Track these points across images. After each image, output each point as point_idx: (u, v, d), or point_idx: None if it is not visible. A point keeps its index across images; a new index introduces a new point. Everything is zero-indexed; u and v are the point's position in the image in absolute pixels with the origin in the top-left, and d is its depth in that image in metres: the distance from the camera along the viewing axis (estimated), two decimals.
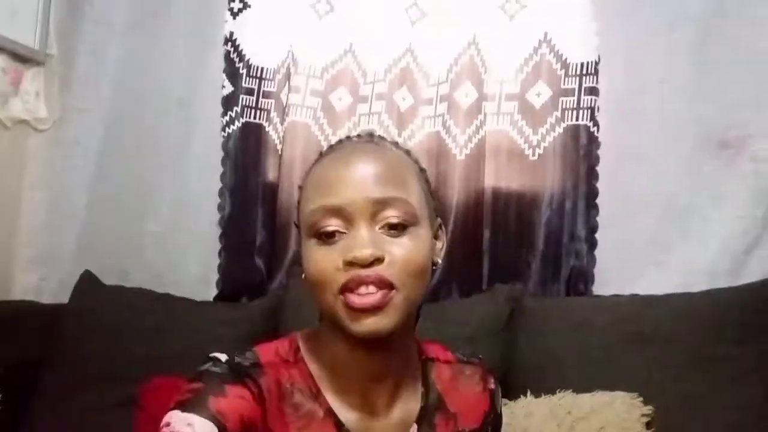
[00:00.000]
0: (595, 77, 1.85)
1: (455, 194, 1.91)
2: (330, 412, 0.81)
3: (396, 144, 0.87)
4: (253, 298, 1.96)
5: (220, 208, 2.03)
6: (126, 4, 2.08)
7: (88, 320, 1.82)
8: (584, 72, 1.86)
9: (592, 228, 1.86)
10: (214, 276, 2.02)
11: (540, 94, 1.90)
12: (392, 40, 1.97)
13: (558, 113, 1.88)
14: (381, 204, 0.76)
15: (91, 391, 1.71)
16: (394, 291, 0.75)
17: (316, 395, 0.82)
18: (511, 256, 1.90)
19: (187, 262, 2.05)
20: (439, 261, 0.85)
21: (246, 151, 2.03)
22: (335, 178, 0.78)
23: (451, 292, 1.92)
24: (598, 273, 1.85)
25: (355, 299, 0.74)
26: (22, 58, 1.96)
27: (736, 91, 1.78)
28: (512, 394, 1.60)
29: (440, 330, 1.62)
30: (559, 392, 1.54)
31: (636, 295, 1.72)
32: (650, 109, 1.84)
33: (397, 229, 0.77)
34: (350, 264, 0.75)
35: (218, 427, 0.72)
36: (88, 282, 1.92)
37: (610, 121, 1.85)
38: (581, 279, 1.85)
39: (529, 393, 1.57)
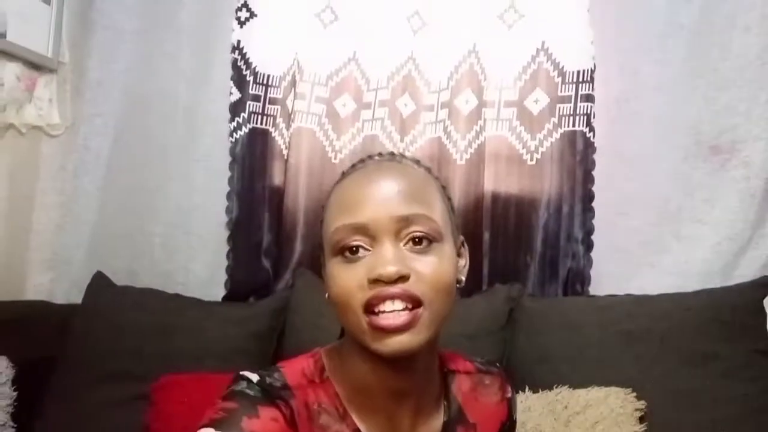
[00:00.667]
0: (591, 84, 1.89)
1: (456, 198, 1.94)
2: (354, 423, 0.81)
3: (417, 162, 0.86)
4: (259, 299, 1.99)
5: (228, 211, 2.06)
6: (136, 12, 2.12)
7: (100, 320, 1.86)
8: (580, 79, 1.90)
9: (589, 230, 1.90)
10: (222, 277, 2.06)
11: (538, 101, 1.94)
12: (395, 48, 2.01)
13: (555, 119, 1.92)
14: (405, 221, 0.75)
15: (103, 389, 1.74)
16: (422, 308, 0.74)
17: (343, 416, 0.81)
18: (510, 257, 1.94)
19: (196, 263, 2.08)
20: (463, 279, 0.82)
21: (253, 156, 2.07)
22: (358, 197, 0.77)
23: None
24: (594, 274, 1.90)
25: (381, 321, 0.73)
26: (36, 65, 1.99)
27: (728, 97, 1.83)
28: None
29: (442, 328, 1.68)
30: (556, 388, 1.58)
31: (630, 295, 1.77)
32: (644, 115, 1.88)
33: (422, 244, 0.75)
34: (375, 282, 0.73)
35: None
36: (100, 282, 1.95)
37: (605, 127, 1.90)
38: (578, 279, 1.89)
39: (527, 389, 1.61)
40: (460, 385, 0.89)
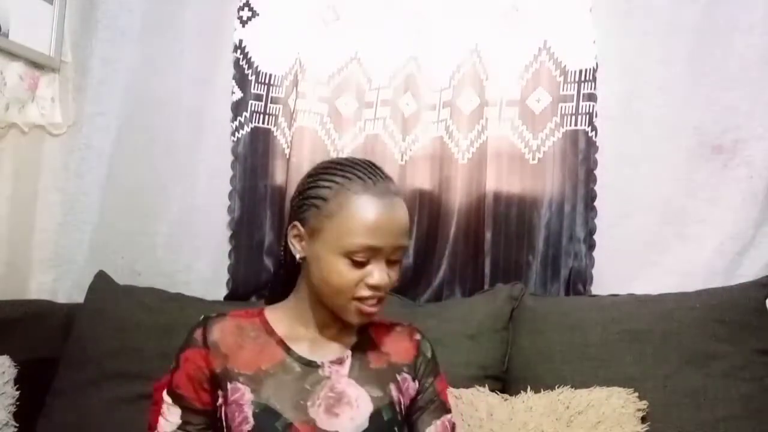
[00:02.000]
0: (593, 84, 1.89)
1: (458, 197, 1.96)
2: (281, 342, 1.11)
3: (398, 190, 1.12)
4: (261, 298, 1.98)
5: (230, 210, 2.07)
6: (138, 12, 2.11)
7: (102, 319, 1.86)
8: (583, 78, 1.90)
9: (591, 230, 1.90)
10: (224, 276, 2.06)
11: (540, 100, 1.94)
12: (397, 47, 2.01)
13: (557, 118, 1.93)
14: (398, 249, 1.07)
15: (105, 388, 1.75)
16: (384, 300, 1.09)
17: (271, 333, 1.12)
18: (512, 257, 1.94)
19: (198, 262, 2.08)
20: None
21: (255, 155, 2.07)
22: (380, 225, 1.04)
23: (454, 292, 1.96)
24: (597, 273, 1.90)
25: (367, 308, 1.06)
26: (38, 65, 1.99)
27: (730, 96, 1.83)
28: (513, 389, 1.65)
29: (443, 328, 1.69)
30: (558, 388, 1.58)
31: (633, 294, 1.77)
32: (647, 115, 1.88)
33: (397, 263, 1.08)
34: (372, 286, 1.05)
35: (179, 404, 1.09)
36: (102, 282, 1.95)
37: (607, 126, 1.90)
38: (580, 279, 1.89)
39: (529, 388, 1.61)
40: (375, 329, 1.19)
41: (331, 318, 1.11)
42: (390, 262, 1.06)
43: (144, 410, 1.65)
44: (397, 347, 1.18)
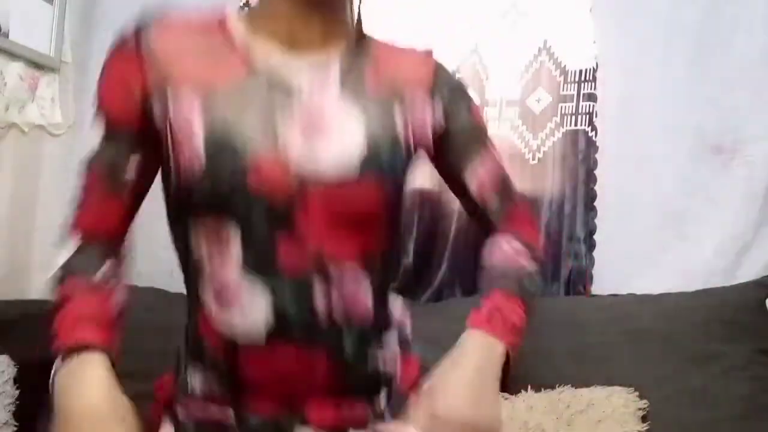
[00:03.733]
0: (593, 84, 1.90)
1: None
2: (246, 60, 0.84)
3: None
4: None
5: None
6: (138, 12, 2.12)
7: None
8: (583, 78, 1.91)
9: (591, 230, 1.90)
10: None
11: (540, 100, 1.95)
12: None
13: (557, 119, 1.93)
14: None
15: None
16: None
17: (232, 48, 0.84)
18: None
19: None
20: None
21: None
22: None
23: (454, 292, 1.96)
24: (597, 273, 1.89)
25: None
26: (38, 65, 1.99)
27: (731, 97, 1.82)
28: (513, 388, 1.64)
29: (444, 328, 1.68)
30: (559, 387, 1.59)
31: (633, 294, 1.77)
32: (647, 115, 1.87)
33: None
34: None
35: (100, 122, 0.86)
36: None
37: (607, 127, 1.90)
38: (580, 279, 1.90)
39: (529, 388, 1.61)
40: (378, 46, 0.94)
41: (304, 8, 0.85)
42: None
43: (143, 409, 1.66)
44: (406, 66, 0.93)
